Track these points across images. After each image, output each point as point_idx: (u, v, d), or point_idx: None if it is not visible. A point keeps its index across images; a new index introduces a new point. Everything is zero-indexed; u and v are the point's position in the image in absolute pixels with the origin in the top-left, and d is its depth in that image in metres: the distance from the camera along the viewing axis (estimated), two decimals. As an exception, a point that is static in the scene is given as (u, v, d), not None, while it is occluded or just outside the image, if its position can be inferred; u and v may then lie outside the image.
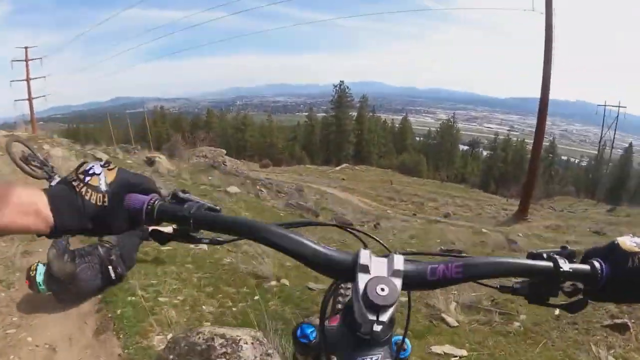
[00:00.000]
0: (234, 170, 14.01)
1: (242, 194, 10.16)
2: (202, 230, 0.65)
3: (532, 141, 19.27)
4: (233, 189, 10.19)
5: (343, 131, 62.60)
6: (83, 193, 0.60)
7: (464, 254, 0.77)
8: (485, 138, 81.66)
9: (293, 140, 65.32)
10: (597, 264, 0.63)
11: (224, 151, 16.48)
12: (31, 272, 2.83)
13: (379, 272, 0.58)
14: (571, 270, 0.62)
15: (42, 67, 32.37)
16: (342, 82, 65.56)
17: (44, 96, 29.61)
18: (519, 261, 0.64)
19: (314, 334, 0.79)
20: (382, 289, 0.55)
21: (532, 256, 0.65)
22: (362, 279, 0.57)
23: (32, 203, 0.59)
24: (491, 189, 53.60)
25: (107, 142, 17.80)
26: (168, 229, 0.66)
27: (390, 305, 0.54)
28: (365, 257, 0.59)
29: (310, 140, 64.76)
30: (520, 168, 56.28)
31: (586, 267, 0.64)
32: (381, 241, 0.76)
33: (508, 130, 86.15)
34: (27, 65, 28.01)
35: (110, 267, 3.09)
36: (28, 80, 28.13)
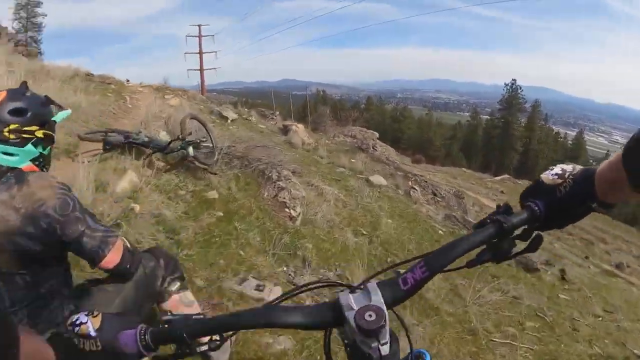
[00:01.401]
0: (383, 157, 11.50)
1: (388, 189, 7.55)
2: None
3: None
4: (378, 179, 7.69)
5: (509, 136, 53.95)
6: (76, 343, 0.64)
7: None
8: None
9: (451, 139, 59.48)
10: (533, 205, 0.72)
11: (376, 134, 14.03)
12: None
13: (362, 303, 0.61)
14: (514, 221, 0.70)
15: (214, 44, 35.58)
16: (514, 80, 56.43)
17: (214, 68, 32.48)
18: (470, 237, 0.69)
19: None
20: (370, 315, 0.58)
21: (477, 226, 0.71)
22: (350, 316, 0.60)
23: (41, 356, 0.60)
24: (666, 239, 40.13)
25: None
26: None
27: (383, 326, 0.58)
28: (344, 297, 0.63)
29: (471, 141, 58.02)
30: None
31: (524, 213, 0.72)
32: (344, 283, 0.73)
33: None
34: (199, 40, 30.89)
35: None
36: (200, 53, 31.05)
